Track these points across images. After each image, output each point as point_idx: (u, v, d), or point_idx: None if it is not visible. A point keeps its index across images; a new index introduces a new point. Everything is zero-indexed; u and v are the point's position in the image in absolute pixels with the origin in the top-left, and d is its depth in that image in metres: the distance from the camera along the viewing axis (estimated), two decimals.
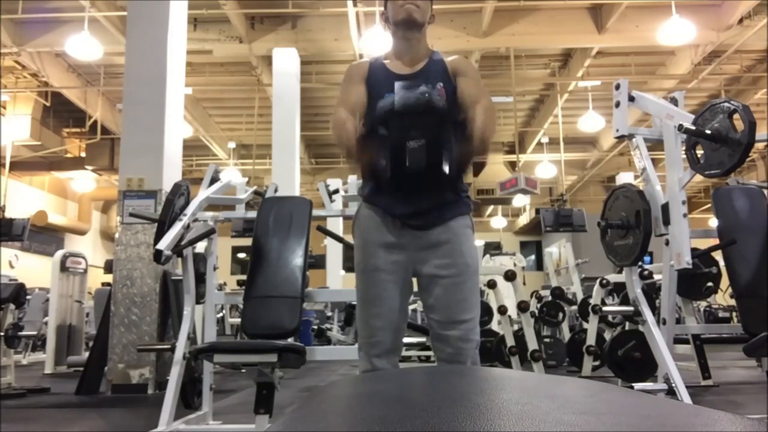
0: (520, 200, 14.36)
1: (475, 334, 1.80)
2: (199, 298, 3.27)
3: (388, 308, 1.78)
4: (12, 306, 5.22)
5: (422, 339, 4.21)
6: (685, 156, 2.71)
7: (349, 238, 2.10)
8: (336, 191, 4.15)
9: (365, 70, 1.89)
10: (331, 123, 1.79)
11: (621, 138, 3.03)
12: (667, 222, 2.72)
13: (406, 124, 1.61)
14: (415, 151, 1.59)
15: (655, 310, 3.34)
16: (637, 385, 2.86)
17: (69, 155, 13.08)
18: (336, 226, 8.35)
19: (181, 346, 2.91)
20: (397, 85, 1.69)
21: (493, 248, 14.08)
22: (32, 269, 12.38)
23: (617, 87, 2.99)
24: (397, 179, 1.65)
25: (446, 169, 1.60)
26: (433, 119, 1.61)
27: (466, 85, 1.84)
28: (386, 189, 1.75)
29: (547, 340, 5.98)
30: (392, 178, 1.63)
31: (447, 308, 1.77)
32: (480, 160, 1.65)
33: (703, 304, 8.37)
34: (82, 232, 15.24)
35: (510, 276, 3.94)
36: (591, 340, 4.79)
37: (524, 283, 5.91)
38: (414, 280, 1.88)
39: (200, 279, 3.24)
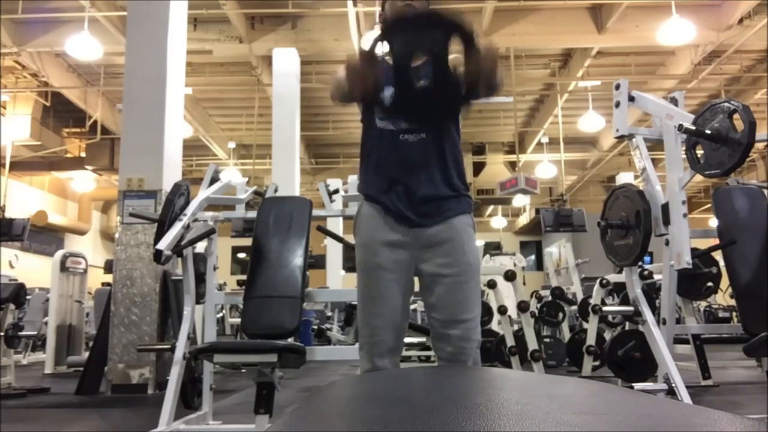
0: (520, 200, 14.36)
1: (476, 333, 1.80)
2: (199, 298, 3.27)
3: (390, 307, 1.78)
4: (12, 306, 5.22)
5: (423, 339, 4.21)
6: (685, 156, 2.71)
7: (350, 238, 2.10)
8: (336, 191, 4.15)
9: None
10: (331, 82, 1.75)
11: (621, 138, 3.03)
12: (667, 222, 2.72)
13: (410, 39, 1.49)
14: (419, 69, 1.48)
15: (655, 310, 3.34)
16: (637, 385, 2.86)
17: (69, 155, 13.08)
18: (336, 226, 8.34)
19: (181, 346, 2.91)
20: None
21: (493, 248, 14.08)
22: (32, 269, 12.37)
23: (617, 87, 2.99)
24: (402, 102, 1.54)
25: (453, 84, 1.47)
26: (438, 32, 1.48)
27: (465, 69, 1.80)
28: (391, 112, 1.64)
29: (547, 340, 5.97)
30: (397, 100, 1.52)
31: (448, 307, 1.77)
32: (489, 82, 1.54)
33: (703, 304, 8.37)
34: (82, 232, 15.24)
35: (510, 276, 3.94)
36: (591, 340, 4.79)
37: (524, 283, 5.91)
38: (415, 278, 1.88)
39: (200, 279, 3.24)
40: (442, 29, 1.46)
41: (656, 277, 4.00)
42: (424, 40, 1.48)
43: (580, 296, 6.77)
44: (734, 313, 7.78)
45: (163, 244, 2.67)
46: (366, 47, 1.48)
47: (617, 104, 2.98)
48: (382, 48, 1.56)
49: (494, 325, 5.66)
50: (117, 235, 5.00)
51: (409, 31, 1.48)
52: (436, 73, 1.48)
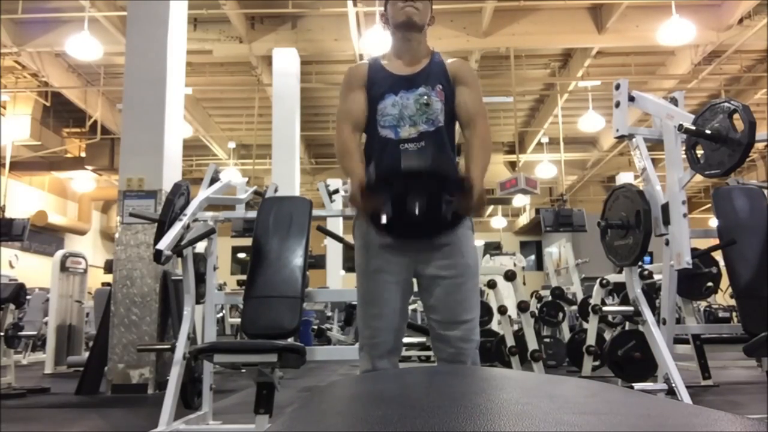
0: (520, 200, 14.36)
1: (476, 334, 1.81)
2: (199, 298, 3.27)
3: (389, 309, 1.80)
4: (12, 306, 5.22)
5: (422, 339, 4.21)
6: (685, 156, 2.71)
7: (349, 238, 2.10)
8: (336, 191, 4.15)
9: (364, 74, 1.90)
10: (336, 143, 1.84)
11: (621, 138, 3.03)
12: (667, 222, 2.72)
13: (409, 185, 1.65)
14: (415, 205, 1.64)
15: (655, 310, 3.34)
16: (637, 385, 2.86)
17: (69, 155, 13.07)
18: (336, 226, 8.35)
19: (181, 346, 2.91)
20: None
21: (493, 248, 14.09)
22: (32, 269, 12.38)
23: (617, 87, 2.99)
24: (396, 227, 1.70)
25: (444, 215, 1.66)
26: (435, 180, 1.64)
27: (465, 97, 1.87)
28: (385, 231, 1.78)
29: (547, 340, 5.97)
30: (392, 225, 1.68)
31: (448, 309, 1.78)
32: (478, 202, 1.70)
33: (703, 304, 8.37)
34: (82, 232, 15.24)
35: (510, 276, 3.94)
36: (591, 340, 4.79)
37: (524, 283, 5.90)
38: (414, 280, 1.88)
39: (200, 279, 3.24)
40: (440, 181, 1.64)
41: (656, 277, 4.01)
42: (423, 185, 1.66)
43: (580, 296, 6.77)
44: (734, 313, 7.77)
45: (163, 244, 2.67)
46: (366, 184, 1.65)
47: (617, 104, 2.98)
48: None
49: (494, 325, 5.66)
50: (117, 235, 5.00)
51: (410, 179, 1.66)
52: (429, 209, 1.64)
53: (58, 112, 12.01)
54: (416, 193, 1.63)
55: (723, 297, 6.92)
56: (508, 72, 9.18)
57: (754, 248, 2.99)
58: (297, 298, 2.92)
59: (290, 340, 2.91)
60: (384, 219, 1.66)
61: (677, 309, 4.44)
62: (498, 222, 17.76)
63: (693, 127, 2.53)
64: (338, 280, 11.97)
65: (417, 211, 1.63)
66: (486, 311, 5.42)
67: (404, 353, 5.31)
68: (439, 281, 1.78)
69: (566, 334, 6.55)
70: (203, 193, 3.20)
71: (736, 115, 2.40)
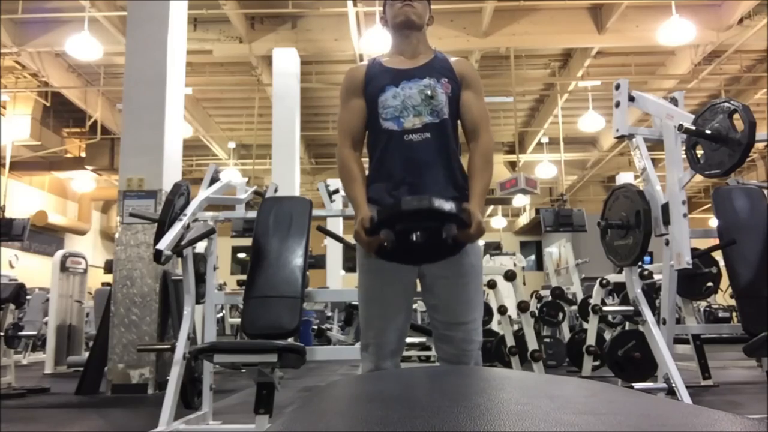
0: (520, 200, 14.35)
1: (478, 334, 1.81)
2: (199, 298, 3.27)
3: (393, 309, 1.79)
4: (12, 306, 5.22)
5: (422, 339, 4.20)
6: (685, 156, 2.71)
7: (350, 238, 2.10)
8: (336, 191, 4.15)
9: (362, 77, 1.89)
10: (338, 161, 1.87)
11: (621, 138, 3.03)
12: (667, 222, 2.72)
13: (412, 223, 1.69)
14: (418, 237, 1.70)
15: (655, 310, 3.34)
16: (637, 385, 2.86)
17: (69, 155, 13.07)
18: (336, 226, 8.35)
19: (181, 346, 2.91)
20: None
21: (493, 248, 14.08)
22: (32, 269, 12.38)
23: (617, 87, 2.99)
24: (399, 254, 1.76)
25: (448, 241, 1.70)
26: (437, 218, 1.67)
27: (469, 104, 1.87)
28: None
29: (547, 340, 5.98)
30: (396, 252, 1.74)
31: (451, 309, 1.78)
32: (477, 227, 1.73)
33: (703, 304, 8.36)
34: (82, 232, 15.24)
35: (510, 276, 3.94)
36: (591, 340, 4.79)
37: (524, 283, 5.91)
38: (417, 280, 1.88)
39: (200, 279, 3.24)
40: (441, 218, 1.66)
41: (656, 277, 4.00)
42: (425, 223, 1.70)
43: (580, 296, 6.77)
44: (734, 313, 7.77)
45: (163, 244, 2.67)
46: (368, 223, 1.69)
47: (617, 104, 2.98)
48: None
49: (494, 325, 5.66)
50: (117, 235, 4.99)
51: (412, 218, 1.68)
52: (432, 238, 1.69)
53: (58, 112, 12.01)
54: (418, 230, 1.70)
55: (723, 297, 6.91)
56: (508, 72, 9.18)
57: (754, 248, 2.99)
58: (297, 298, 2.92)
59: (290, 340, 2.91)
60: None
61: (677, 309, 4.44)
62: (498, 222, 17.76)
63: (693, 127, 2.53)
64: (338, 280, 11.97)
65: (418, 242, 1.70)
66: (486, 311, 5.42)
67: (404, 353, 5.30)
68: (443, 281, 1.77)
69: (566, 334, 6.55)
70: (203, 193, 3.21)
71: (736, 115, 2.40)
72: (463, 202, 1.85)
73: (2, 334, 4.99)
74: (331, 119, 12.15)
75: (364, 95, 1.86)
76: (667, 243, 2.76)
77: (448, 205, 1.62)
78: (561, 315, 6.44)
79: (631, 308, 2.95)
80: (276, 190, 3.78)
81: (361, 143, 1.89)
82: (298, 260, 3.02)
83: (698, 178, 2.73)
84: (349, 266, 14.29)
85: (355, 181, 1.81)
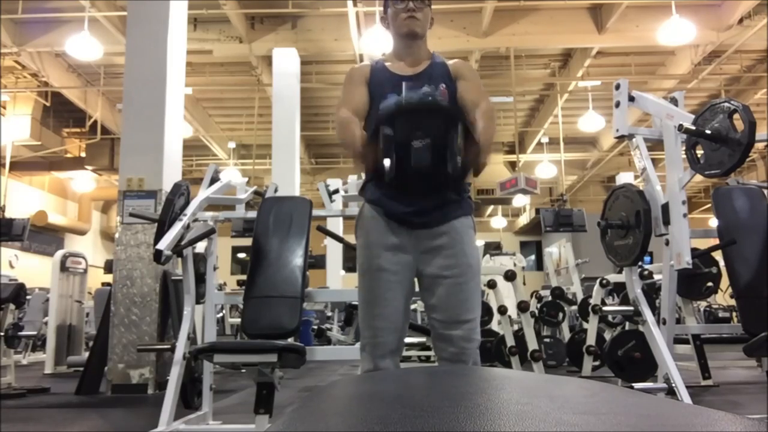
0: (520, 200, 14.34)
1: (477, 333, 1.82)
2: (199, 298, 3.27)
3: (392, 309, 1.80)
4: (12, 306, 5.22)
5: (422, 339, 4.20)
6: (685, 156, 2.71)
7: (349, 238, 2.11)
8: (336, 191, 4.15)
9: (367, 73, 1.94)
10: (336, 123, 1.83)
11: (621, 138, 3.03)
12: (667, 222, 2.72)
13: (412, 123, 1.59)
14: (419, 150, 1.56)
15: (655, 310, 3.34)
16: (637, 385, 2.86)
17: (69, 155, 13.08)
18: (336, 226, 8.34)
19: (181, 346, 2.91)
20: (405, 84, 1.71)
21: (493, 248, 14.07)
22: (32, 269, 12.38)
23: (617, 87, 2.99)
24: (400, 179, 1.61)
25: (450, 169, 1.58)
26: (438, 119, 1.60)
27: (466, 88, 1.90)
28: (389, 189, 1.74)
29: (547, 340, 5.97)
30: (396, 177, 1.60)
31: (450, 308, 1.79)
32: (482, 161, 1.66)
33: (703, 304, 8.37)
34: (82, 232, 15.24)
35: (510, 276, 3.94)
36: (591, 340, 4.79)
37: (524, 283, 5.90)
38: (415, 280, 1.89)
39: (200, 279, 3.24)
40: (444, 118, 1.58)
41: (656, 277, 4.00)
42: (426, 124, 1.58)
43: (580, 296, 6.76)
44: (734, 313, 7.77)
45: (163, 244, 2.67)
46: (368, 136, 1.60)
47: (617, 104, 2.98)
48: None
49: (494, 325, 5.66)
50: (117, 235, 4.99)
51: (413, 115, 1.59)
52: (434, 156, 1.56)
53: (58, 112, 12.01)
54: (421, 133, 1.56)
55: (723, 297, 6.91)
56: (508, 72, 9.18)
57: (754, 248, 2.99)
58: (297, 298, 2.92)
59: (290, 340, 2.91)
60: (387, 163, 1.58)
61: (677, 309, 4.44)
62: (498, 222, 17.76)
63: (693, 127, 2.53)
64: (338, 280, 11.96)
65: (421, 159, 1.55)
66: (486, 311, 5.42)
67: (404, 353, 5.30)
68: (441, 281, 1.78)
69: (566, 334, 6.55)
70: (203, 193, 3.21)
71: (736, 115, 2.40)
72: (461, 202, 1.85)
73: (2, 334, 4.99)
74: (331, 119, 12.15)
75: (368, 89, 1.90)
76: (667, 243, 2.76)
77: (453, 107, 1.54)
78: (561, 315, 6.43)
79: (631, 308, 2.95)
80: (276, 190, 3.77)
81: (360, 116, 1.86)
82: (298, 260, 3.02)
83: (698, 178, 2.73)
84: (349, 266, 14.27)
85: (352, 123, 1.77)
